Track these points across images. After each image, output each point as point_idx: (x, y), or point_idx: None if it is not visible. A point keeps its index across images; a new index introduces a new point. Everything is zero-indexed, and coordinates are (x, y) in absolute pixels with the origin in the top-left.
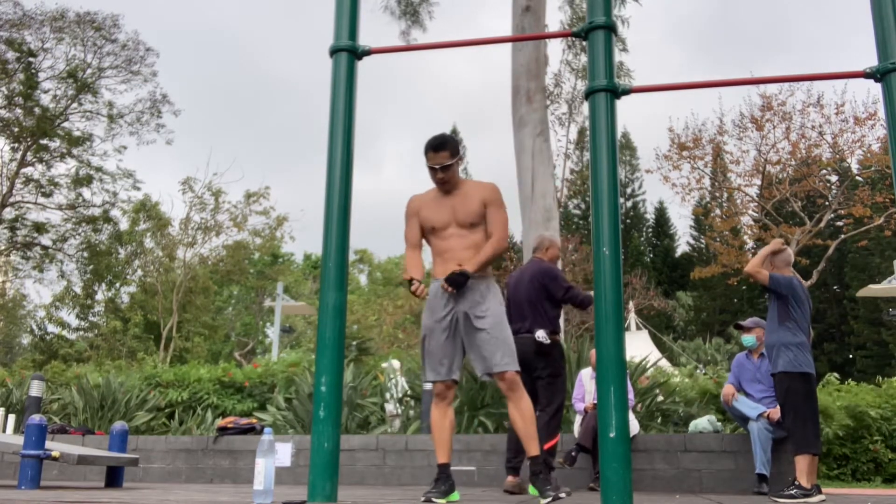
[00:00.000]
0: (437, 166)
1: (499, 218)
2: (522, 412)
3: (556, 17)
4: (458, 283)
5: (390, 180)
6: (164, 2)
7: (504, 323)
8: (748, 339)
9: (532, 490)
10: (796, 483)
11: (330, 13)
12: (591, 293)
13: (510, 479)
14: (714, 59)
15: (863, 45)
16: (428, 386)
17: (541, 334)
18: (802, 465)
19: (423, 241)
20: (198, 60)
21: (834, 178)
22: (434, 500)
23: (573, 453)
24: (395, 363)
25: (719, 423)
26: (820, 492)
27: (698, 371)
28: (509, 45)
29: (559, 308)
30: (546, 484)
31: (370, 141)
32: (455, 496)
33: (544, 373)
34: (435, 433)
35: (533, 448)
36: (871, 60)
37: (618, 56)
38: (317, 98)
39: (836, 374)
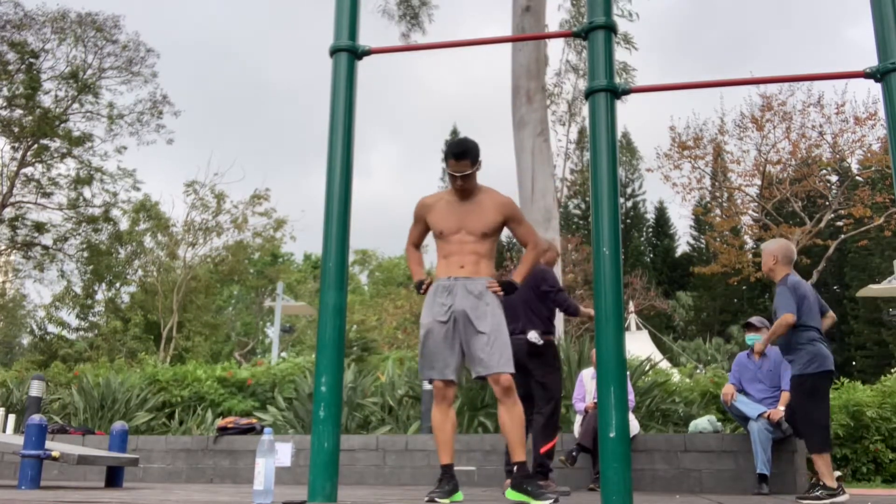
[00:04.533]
0: (458, 174)
1: (526, 229)
2: (513, 417)
3: (556, 16)
4: (508, 290)
5: (379, 185)
6: (159, 5)
7: (503, 325)
8: (754, 337)
9: (512, 495)
10: (821, 483)
11: (329, 16)
12: (579, 306)
13: (509, 482)
14: (693, 68)
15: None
16: (427, 386)
17: (533, 335)
18: (822, 466)
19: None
20: (193, 64)
21: (834, 178)
22: (437, 500)
23: (574, 453)
24: None
25: (719, 423)
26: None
27: (698, 371)
28: (508, 45)
29: (553, 309)
30: (539, 487)
31: (358, 145)
32: (458, 496)
33: (538, 374)
34: (437, 435)
35: (520, 453)
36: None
37: (624, 56)
38: (316, 99)
39: None
